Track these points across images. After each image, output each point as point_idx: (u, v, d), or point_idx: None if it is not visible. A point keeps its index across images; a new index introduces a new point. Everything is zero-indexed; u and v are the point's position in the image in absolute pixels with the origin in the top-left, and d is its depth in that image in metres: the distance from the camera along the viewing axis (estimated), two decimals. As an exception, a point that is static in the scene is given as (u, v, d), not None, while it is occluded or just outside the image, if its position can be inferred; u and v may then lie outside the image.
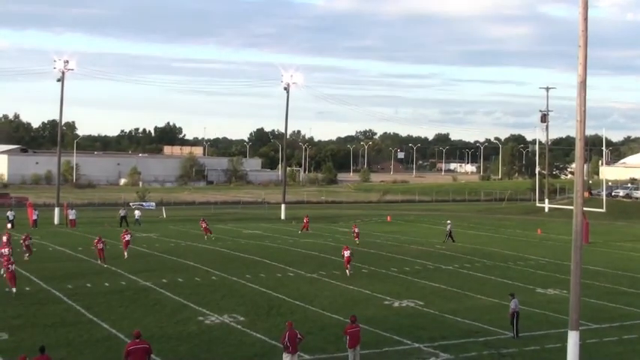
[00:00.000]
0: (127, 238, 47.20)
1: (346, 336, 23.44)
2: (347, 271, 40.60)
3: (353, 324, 23.68)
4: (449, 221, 60.19)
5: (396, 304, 33.53)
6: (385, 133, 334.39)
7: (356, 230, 57.27)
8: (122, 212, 68.95)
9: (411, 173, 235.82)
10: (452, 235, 57.22)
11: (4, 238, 44.07)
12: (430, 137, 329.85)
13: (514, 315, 27.89)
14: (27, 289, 35.44)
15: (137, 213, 70.46)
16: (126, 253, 46.00)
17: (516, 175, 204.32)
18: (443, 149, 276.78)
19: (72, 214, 67.10)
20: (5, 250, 38.26)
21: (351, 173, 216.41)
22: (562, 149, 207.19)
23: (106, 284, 36.90)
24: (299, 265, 44.04)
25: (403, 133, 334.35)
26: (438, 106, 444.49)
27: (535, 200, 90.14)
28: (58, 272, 39.92)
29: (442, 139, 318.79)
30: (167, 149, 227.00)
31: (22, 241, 45.93)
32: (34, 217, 66.67)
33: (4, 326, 28.04)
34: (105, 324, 28.73)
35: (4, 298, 33.12)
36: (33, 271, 39.84)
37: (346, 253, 41.09)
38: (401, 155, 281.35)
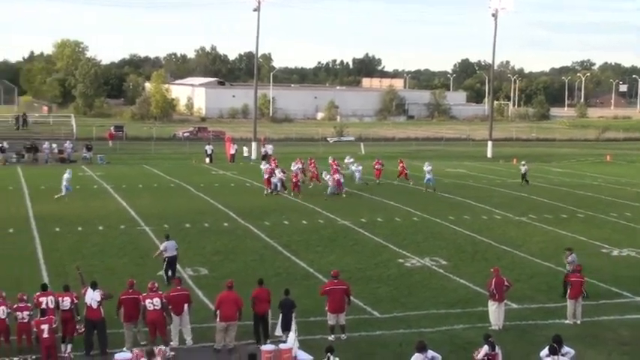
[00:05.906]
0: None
1: (568, 284, 23.02)
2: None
3: (578, 273, 23.19)
4: (523, 162, 57.59)
5: (615, 252, 32.51)
6: (605, 63, 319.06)
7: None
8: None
9: (635, 108, 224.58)
10: (526, 177, 54.50)
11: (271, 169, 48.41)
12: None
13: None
14: (225, 224, 37.32)
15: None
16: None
17: None
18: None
19: (269, 149, 69.06)
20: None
21: (566, 108, 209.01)
22: None
23: (304, 222, 38.11)
24: (506, 207, 43.47)
25: (626, 64, 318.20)
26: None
27: None
28: (256, 209, 41.63)
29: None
30: (366, 82, 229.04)
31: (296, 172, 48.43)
32: (232, 151, 69.54)
33: (204, 261, 29.73)
34: (303, 263, 29.80)
35: (203, 234, 35.07)
36: (231, 207, 41.83)
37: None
38: (623, 88, 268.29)
